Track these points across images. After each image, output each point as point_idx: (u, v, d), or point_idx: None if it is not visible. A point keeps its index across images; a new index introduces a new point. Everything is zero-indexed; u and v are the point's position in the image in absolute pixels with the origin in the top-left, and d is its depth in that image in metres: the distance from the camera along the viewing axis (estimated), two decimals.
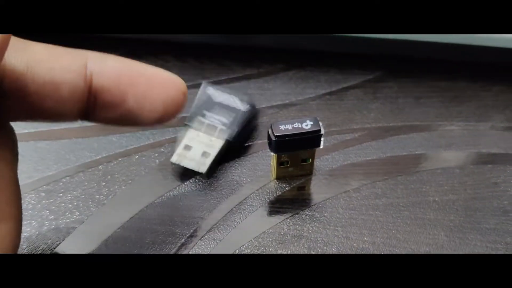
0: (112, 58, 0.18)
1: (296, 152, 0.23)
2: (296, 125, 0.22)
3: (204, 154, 0.24)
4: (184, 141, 0.24)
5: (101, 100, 0.17)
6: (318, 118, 0.22)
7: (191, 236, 0.22)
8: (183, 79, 0.28)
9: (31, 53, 0.16)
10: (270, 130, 0.22)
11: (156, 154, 0.25)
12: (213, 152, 0.24)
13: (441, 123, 0.26)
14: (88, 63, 0.17)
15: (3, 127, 0.17)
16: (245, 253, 0.22)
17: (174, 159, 0.24)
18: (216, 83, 0.28)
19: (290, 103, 0.27)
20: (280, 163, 0.23)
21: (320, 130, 0.22)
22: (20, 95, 0.16)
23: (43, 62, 0.16)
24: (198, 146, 0.24)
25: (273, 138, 0.22)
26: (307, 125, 0.22)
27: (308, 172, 0.24)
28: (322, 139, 0.22)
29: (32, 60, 0.16)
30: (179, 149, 0.24)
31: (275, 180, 0.24)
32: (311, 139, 0.22)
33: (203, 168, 0.23)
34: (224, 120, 0.24)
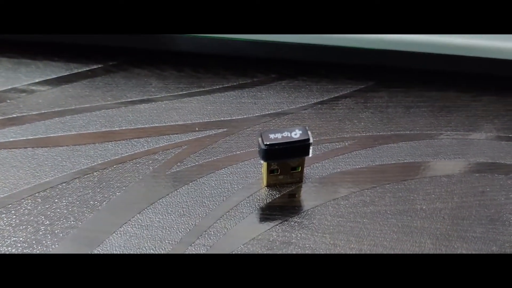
0: None
1: (286, 160, 0.24)
2: (286, 134, 0.23)
3: None
4: None
5: None
6: (307, 127, 0.23)
7: (182, 242, 0.23)
8: (179, 87, 0.28)
9: None
10: (260, 139, 0.23)
11: (150, 161, 0.25)
12: None
13: (430, 133, 0.26)
14: None
15: None
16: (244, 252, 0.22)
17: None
18: (211, 92, 0.28)
19: (283, 112, 0.27)
20: (270, 171, 0.24)
21: (308, 139, 0.23)
22: None
23: None
24: None
25: (263, 147, 0.22)
26: (296, 134, 0.23)
27: (298, 180, 0.25)
28: (311, 147, 0.23)
29: None
30: None
31: (266, 187, 0.24)
32: (300, 148, 0.23)
33: None
34: None
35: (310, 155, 0.23)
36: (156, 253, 0.22)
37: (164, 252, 0.22)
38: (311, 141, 0.23)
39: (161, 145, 0.26)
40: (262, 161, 0.23)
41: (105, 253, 0.22)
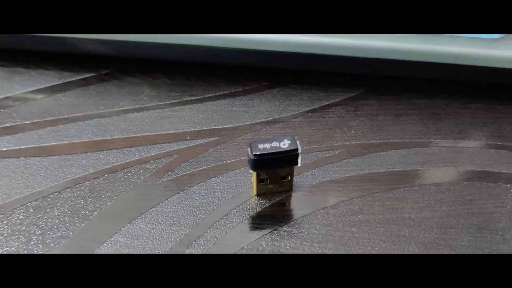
0: None
1: (275, 170, 0.24)
2: (274, 144, 0.23)
3: None
4: None
5: None
6: (296, 137, 0.23)
7: (172, 251, 0.23)
8: (171, 95, 0.29)
9: None
10: (249, 149, 0.23)
11: (142, 171, 0.26)
12: None
13: (420, 141, 0.27)
14: None
15: None
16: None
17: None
18: (202, 100, 0.29)
19: (274, 120, 0.28)
20: (260, 180, 0.24)
21: (297, 149, 0.23)
22: None
23: None
24: None
25: (252, 157, 0.23)
26: (285, 144, 0.23)
27: (287, 189, 0.25)
28: (299, 157, 0.23)
29: None
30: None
31: (256, 196, 0.25)
32: (288, 158, 0.23)
33: None
34: None
35: (299, 164, 0.23)
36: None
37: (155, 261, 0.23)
38: (299, 151, 0.23)
39: (152, 154, 0.26)
40: (251, 171, 0.23)
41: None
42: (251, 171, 0.23)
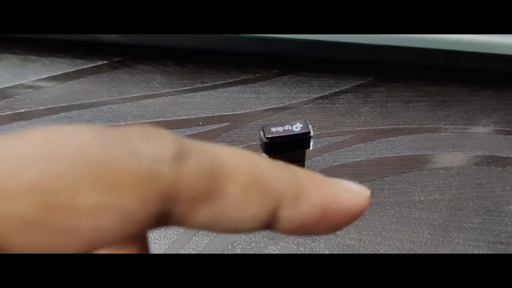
0: (306, 201, 0.13)
1: (287, 153, 0.24)
2: (287, 127, 0.23)
3: None
4: None
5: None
6: (308, 121, 0.23)
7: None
8: (183, 83, 0.29)
9: (220, 203, 0.12)
10: (261, 133, 0.23)
11: None
12: None
13: (429, 126, 0.27)
14: (280, 211, 0.13)
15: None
16: (237, 249, 0.23)
17: None
18: (213, 87, 0.29)
19: (284, 107, 0.28)
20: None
21: (309, 132, 0.23)
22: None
23: (229, 212, 0.12)
24: None
25: (264, 140, 0.23)
26: (297, 128, 0.23)
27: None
28: (311, 140, 0.23)
29: (217, 212, 0.12)
30: None
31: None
32: (300, 141, 0.23)
33: None
34: None
35: (311, 148, 0.24)
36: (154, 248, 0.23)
37: (167, 242, 0.23)
38: (311, 134, 0.23)
39: None
40: (264, 154, 0.24)
41: None
42: (264, 155, 0.24)
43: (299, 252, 0.23)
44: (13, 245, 0.10)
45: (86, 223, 0.10)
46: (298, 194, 0.13)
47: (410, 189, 0.25)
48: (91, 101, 0.28)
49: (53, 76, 0.30)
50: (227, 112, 0.28)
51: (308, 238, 0.23)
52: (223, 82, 0.29)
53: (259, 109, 0.28)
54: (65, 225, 0.10)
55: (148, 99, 0.28)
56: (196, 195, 0.11)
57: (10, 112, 0.28)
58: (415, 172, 0.25)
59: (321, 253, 0.22)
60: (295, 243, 0.23)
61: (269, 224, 0.13)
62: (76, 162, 0.10)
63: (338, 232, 0.23)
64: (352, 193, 0.14)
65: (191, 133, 0.27)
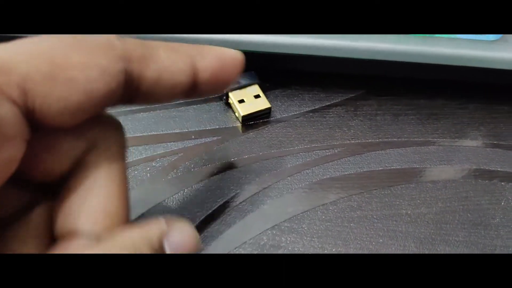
0: (210, 53, 0.19)
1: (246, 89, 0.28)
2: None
3: None
4: None
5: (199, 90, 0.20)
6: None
7: None
8: None
9: (158, 60, 0.18)
10: None
11: (148, 168, 0.27)
12: None
13: (417, 140, 0.27)
14: (197, 64, 0.19)
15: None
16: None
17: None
18: (206, 100, 0.30)
19: (275, 120, 0.29)
20: (239, 101, 0.28)
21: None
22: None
23: (167, 67, 0.18)
24: None
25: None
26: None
27: (265, 109, 0.28)
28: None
29: (160, 68, 0.18)
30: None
31: (242, 123, 0.28)
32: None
33: None
34: None
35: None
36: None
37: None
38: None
39: (158, 152, 0.27)
40: (230, 101, 0.28)
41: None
42: (230, 99, 0.28)
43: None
44: (35, 96, 0.16)
45: (80, 74, 0.16)
46: (201, 51, 0.19)
47: (397, 203, 0.25)
48: None
49: None
50: (219, 125, 0.28)
51: (296, 251, 0.24)
52: (215, 96, 0.30)
53: (250, 122, 0.28)
54: (67, 76, 0.16)
55: (142, 113, 0.29)
56: (140, 55, 0.17)
57: None
58: (403, 186, 0.26)
59: (321, 253, 0.22)
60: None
61: (195, 77, 0.19)
62: (66, 39, 0.17)
63: (326, 246, 0.24)
64: (231, 50, 0.20)
65: (183, 146, 0.27)
